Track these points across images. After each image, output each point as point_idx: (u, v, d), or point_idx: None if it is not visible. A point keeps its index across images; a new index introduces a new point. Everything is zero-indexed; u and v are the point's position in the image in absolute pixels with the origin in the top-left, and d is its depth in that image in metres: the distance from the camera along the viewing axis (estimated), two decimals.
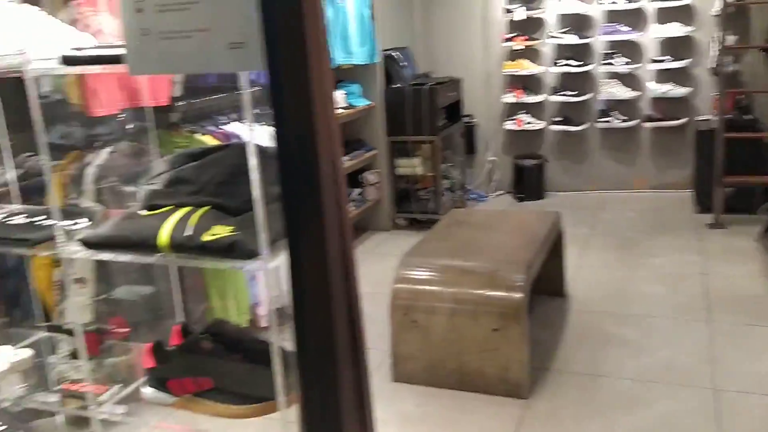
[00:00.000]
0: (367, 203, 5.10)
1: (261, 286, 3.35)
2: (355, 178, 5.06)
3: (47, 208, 1.73)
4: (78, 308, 2.47)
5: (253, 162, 1.26)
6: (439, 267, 3.13)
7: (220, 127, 3.43)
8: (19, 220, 1.64)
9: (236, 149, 1.46)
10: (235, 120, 3.54)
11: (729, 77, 5.05)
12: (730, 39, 4.99)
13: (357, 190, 5.04)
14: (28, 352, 1.77)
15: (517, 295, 2.84)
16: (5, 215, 1.70)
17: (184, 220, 1.35)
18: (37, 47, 1.42)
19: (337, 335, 1.17)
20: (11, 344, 1.82)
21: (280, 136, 1.13)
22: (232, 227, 1.31)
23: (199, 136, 3.23)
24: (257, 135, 2.69)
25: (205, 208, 1.38)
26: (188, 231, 1.31)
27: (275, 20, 1.09)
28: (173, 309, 1.87)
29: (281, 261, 1.26)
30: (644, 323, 3.46)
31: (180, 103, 3.28)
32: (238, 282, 3.22)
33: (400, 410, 2.85)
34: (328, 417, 1.20)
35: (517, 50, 5.77)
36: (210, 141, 3.21)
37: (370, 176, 5.14)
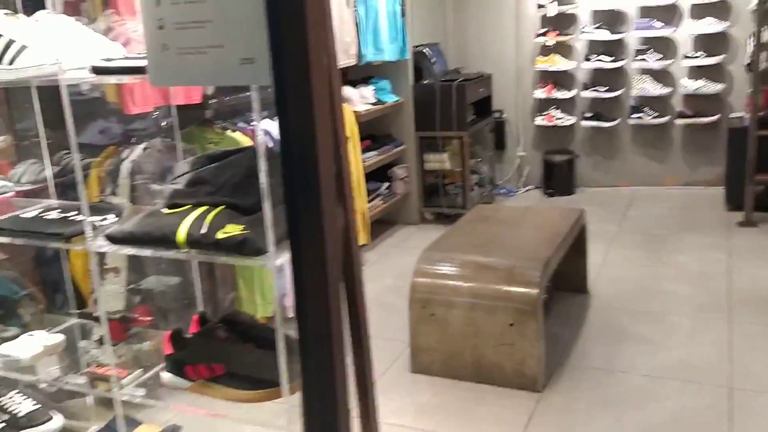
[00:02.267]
0: (396, 197, 5.19)
1: (288, 277, 3.47)
2: (384, 173, 5.15)
3: (80, 204, 1.87)
4: (111, 296, 2.62)
5: (262, 164, 1.36)
6: (458, 262, 3.20)
7: (251, 123, 3.55)
8: (54, 215, 1.78)
9: (252, 152, 1.56)
10: (265, 117, 3.66)
11: (764, 74, 4.97)
12: (767, 35, 4.92)
13: (385, 184, 5.13)
14: (60, 337, 1.91)
15: (534, 291, 2.91)
16: (42, 210, 1.85)
17: (200, 219, 1.46)
18: (71, 57, 1.55)
19: (334, 327, 1.27)
20: (46, 329, 1.97)
21: (284, 143, 1.23)
22: (243, 226, 1.42)
23: (230, 133, 3.35)
24: (271, 135, 2.78)
25: (221, 207, 1.49)
26: (204, 229, 1.42)
27: (281, 38, 1.19)
28: (199, 298, 2.00)
29: (287, 258, 1.36)
30: (664, 321, 3.48)
31: (213, 101, 3.41)
32: (264, 274, 3.34)
33: (417, 400, 2.95)
34: (326, 403, 1.30)
35: (549, 46, 5.77)
36: (240, 137, 3.34)
37: (398, 171, 5.23)
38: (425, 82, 5.24)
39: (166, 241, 1.45)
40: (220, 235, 1.40)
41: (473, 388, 3.00)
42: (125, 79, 1.52)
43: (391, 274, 4.26)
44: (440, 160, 5.31)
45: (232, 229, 1.41)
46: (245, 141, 3.33)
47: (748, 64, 5.13)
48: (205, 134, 3.37)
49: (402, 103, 5.18)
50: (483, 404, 2.88)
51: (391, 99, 5.07)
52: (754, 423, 2.59)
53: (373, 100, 4.85)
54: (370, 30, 4.66)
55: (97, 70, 1.50)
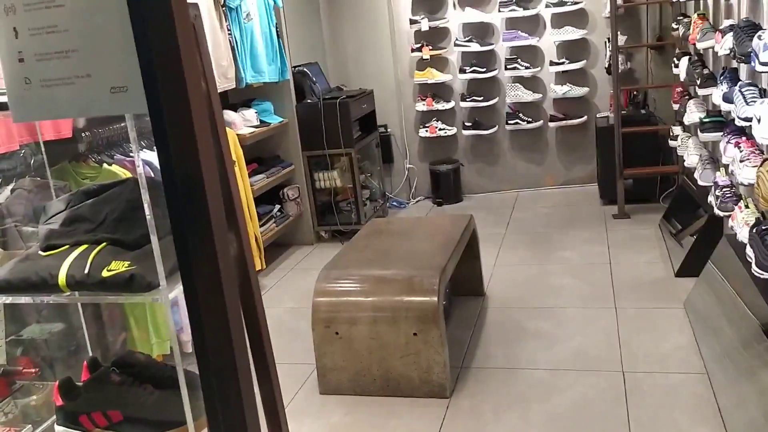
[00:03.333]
0: (289, 219, 5.14)
1: (182, 311, 3.35)
2: (275, 195, 5.09)
3: None
4: None
5: (145, 197, 1.31)
6: (357, 277, 3.21)
7: (129, 155, 3.40)
8: None
9: (132, 184, 1.49)
10: (144, 147, 3.52)
11: (622, 75, 5.36)
12: (621, 39, 5.31)
13: (277, 207, 5.07)
14: None
15: (433, 299, 2.96)
16: None
17: (82, 258, 1.38)
18: None
19: (237, 359, 1.23)
20: None
21: (165, 173, 1.18)
22: (129, 261, 1.35)
23: (107, 166, 3.20)
24: (151, 166, 2.68)
25: (103, 244, 1.41)
26: (86, 268, 1.34)
27: (153, 64, 1.14)
28: (84, 344, 1.88)
29: (180, 291, 1.30)
30: (556, 315, 3.65)
31: (85, 134, 3.24)
32: (156, 310, 3.20)
33: (328, 422, 2.91)
34: None
35: (425, 59, 5.94)
36: (119, 170, 3.19)
37: (289, 192, 5.19)
38: (308, 101, 5.24)
39: (46, 285, 1.36)
40: (105, 273, 1.33)
41: (384, 402, 3.00)
42: None
43: (291, 297, 4.20)
44: (330, 178, 5.33)
45: (118, 266, 1.34)
46: (124, 174, 3.18)
47: (607, 67, 5.52)
48: (79, 170, 3.19)
49: (286, 124, 5.15)
50: (394, 417, 2.88)
51: (275, 120, 5.03)
52: (646, 402, 2.75)
53: (257, 123, 4.80)
54: (247, 52, 4.61)
55: None
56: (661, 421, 2.62)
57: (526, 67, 5.77)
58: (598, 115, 5.72)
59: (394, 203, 6.20)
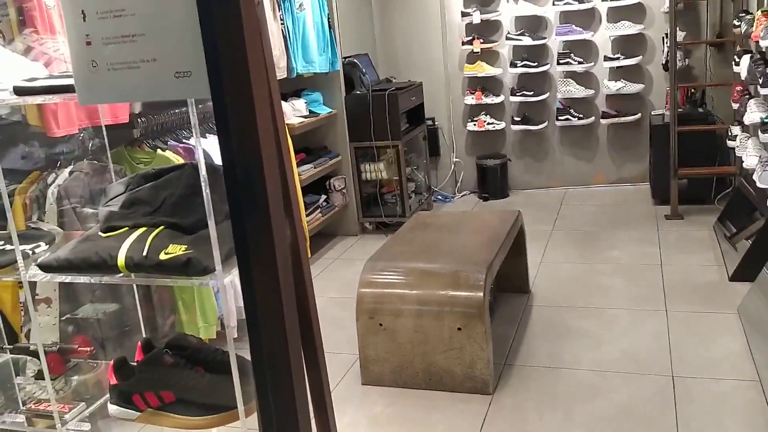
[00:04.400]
0: (334, 209, 5.16)
1: (229, 298, 3.39)
2: (321, 185, 5.12)
3: (8, 233, 1.76)
4: (45, 328, 2.49)
5: (204, 181, 1.32)
6: (403, 270, 3.20)
7: (183, 141, 3.46)
8: None
9: (190, 169, 1.51)
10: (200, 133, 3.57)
11: (680, 72, 5.21)
12: (680, 35, 5.16)
13: (323, 197, 5.10)
14: None
15: (479, 294, 2.93)
16: None
17: (140, 240, 1.40)
18: None
19: (290, 344, 1.23)
20: None
21: (226, 158, 1.19)
22: (186, 245, 1.36)
23: (161, 152, 3.25)
24: (211, 151, 2.71)
25: (160, 227, 1.43)
26: (145, 251, 1.36)
27: (217, 49, 1.15)
28: (138, 324, 1.92)
29: (235, 276, 1.31)
30: (603, 315, 3.58)
31: (141, 119, 3.30)
32: (203, 295, 3.25)
33: (370, 412, 2.92)
34: (285, 424, 1.26)
35: (475, 53, 5.87)
36: (172, 156, 3.25)
37: (335, 182, 5.21)
38: (357, 92, 5.24)
39: (105, 266, 1.38)
40: (162, 256, 1.35)
41: (425, 395, 2.99)
42: (53, 99, 1.44)
43: (335, 286, 4.22)
44: (376, 170, 5.32)
45: (175, 250, 1.35)
46: (177, 160, 3.24)
47: (664, 64, 5.37)
48: (134, 154, 3.26)
49: (335, 115, 5.16)
50: (436, 411, 2.87)
51: (324, 111, 5.05)
52: (696, 408, 2.68)
53: (306, 113, 4.82)
54: (299, 42, 4.63)
55: (20, 91, 1.42)
56: (711, 427, 2.55)
57: (579, 62, 5.66)
58: (652, 113, 5.58)
59: (439, 197, 6.16)
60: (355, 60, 5.28)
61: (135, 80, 1.22)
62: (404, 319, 3.04)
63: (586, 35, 5.64)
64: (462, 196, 6.22)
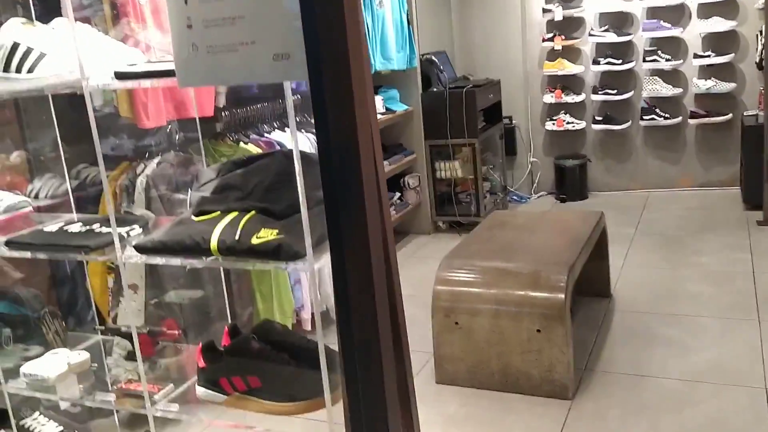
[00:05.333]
0: (408, 207, 5.13)
1: (305, 289, 3.42)
2: (395, 182, 5.10)
3: (102, 217, 1.82)
4: (131, 313, 2.56)
5: (297, 167, 1.31)
6: (480, 268, 3.14)
7: (264, 135, 3.51)
8: (77, 228, 1.72)
9: (280, 156, 1.51)
10: (277, 128, 3.62)
11: None
12: None
13: (397, 194, 5.08)
14: (85, 355, 1.85)
15: (560, 296, 2.84)
16: (63, 224, 1.79)
17: (233, 225, 1.41)
18: (91, 64, 1.50)
19: (381, 334, 1.21)
20: (69, 348, 1.91)
21: (322, 143, 1.17)
22: (277, 230, 1.36)
23: (243, 145, 3.31)
24: (300, 141, 2.74)
25: (252, 212, 1.44)
26: (237, 235, 1.37)
27: (317, 32, 1.13)
28: (221, 311, 1.94)
29: (325, 262, 1.30)
30: (691, 323, 3.41)
31: (224, 113, 3.37)
32: (281, 286, 3.29)
33: (444, 411, 2.87)
34: (374, 415, 1.24)
35: (556, 50, 5.73)
36: (254, 149, 3.30)
37: (410, 180, 5.18)
38: (434, 90, 5.20)
39: (198, 248, 1.40)
40: (254, 240, 1.35)
41: (501, 397, 2.93)
42: (150, 84, 1.46)
43: (408, 284, 4.16)
44: (451, 168, 5.26)
45: (267, 234, 1.35)
46: (258, 152, 3.28)
47: (759, 62, 5.09)
48: (217, 147, 3.32)
49: (411, 112, 5.14)
50: (512, 413, 2.80)
51: (400, 108, 5.03)
52: None
53: (383, 110, 4.81)
54: (377, 39, 4.63)
55: (121, 76, 1.45)
56: None
57: (667, 60, 5.44)
58: (745, 113, 5.29)
59: (515, 197, 6.05)
60: (432, 57, 5.24)
61: (233, 63, 1.22)
62: (481, 319, 2.98)
63: (675, 31, 5.41)
64: (538, 196, 6.08)
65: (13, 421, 1.99)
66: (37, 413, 2.16)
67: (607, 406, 2.78)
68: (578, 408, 2.78)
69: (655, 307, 3.63)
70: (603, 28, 5.61)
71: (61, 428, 2.17)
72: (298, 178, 1.29)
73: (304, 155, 1.35)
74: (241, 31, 1.20)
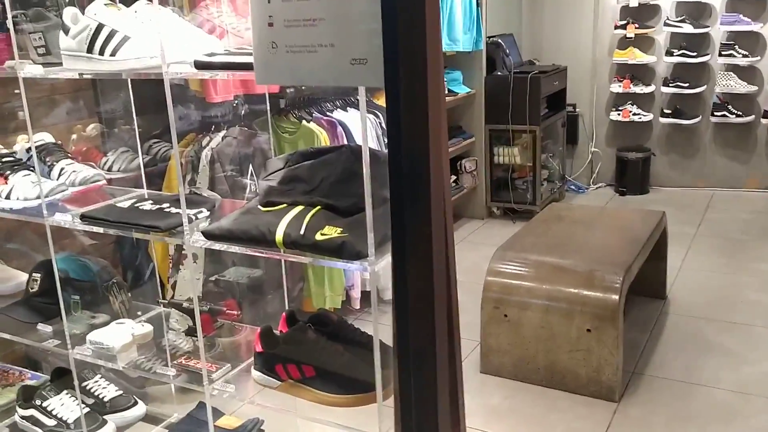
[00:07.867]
0: (463, 191, 5.11)
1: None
2: (452, 166, 5.07)
3: (172, 196, 1.88)
4: (188, 282, 2.64)
5: (365, 166, 1.32)
6: (533, 262, 3.12)
7: (327, 114, 3.53)
8: (148, 206, 1.78)
9: (348, 152, 1.53)
10: (339, 108, 3.64)
11: None
12: None
13: (453, 177, 5.05)
14: (149, 327, 1.93)
15: (614, 297, 2.80)
16: (135, 200, 1.86)
17: (298, 219, 1.43)
18: (172, 50, 1.53)
19: (437, 335, 1.23)
20: (132, 318, 2.00)
21: (393, 149, 1.18)
22: (341, 228, 1.38)
23: (305, 123, 3.34)
24: (351, 125, 2.74)
25: (317, 207, 1.46)
26: (302, 230, 1.40)
27: (396, 39, 1.14)
28: (278, 294, 1.99)
29: (385, 264, 1.32)
30: (748, 333, 3.32)
31: (289, 90, 3.40)
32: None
33: (488, 403, 2.89)
34: (425, 412, 1.26)
35: (628, 38, 5.56)
36: (315, 127, 3.32)
37: (467, 163, 5.15)
38: (498, 73, 5.13)
39: (264, 240, 1.43)
40: (318, 236, 1.38)
41: (545, 393, 2.92)
42: (228, 76, 1.49)
43: (459, 269, 4.16)
44: (510, 154, 5.20)
45: (331, 231, 1.38)
46: (320, 132, 3.31)
47: None
48: (280, 123, 3.37)
49: (473, 95, 5.08)
50: (556, 411, 2.80)
51: (462, 90, 4.99)
52: None
53: (445, 91, 4.77)
54: (444, 20, 4.57)
55: (200, 65, 1.48)
56: None
57: (744, 55, 5.21)
58: None
59: (573, 187, 5.94)
60: (499, 40, 5.16)
61: (311, 64, 1.23)
62: (530, 313, 2.97)
63: (755, 27, 5.17)
64: (597, 188, 5.96)
65: (76, 383, 2.09)
66: (98, 376, 2.27)
67: (653, 412, 2.74)
68: (623, 412, 2.76)
69: (711, 313, 3.54)
70: (679, 18, 5.41)
71: (120, 392, 2.28)
72: (365, 177, 1.30)
73: (372, 153, 1.36)
74: (321, 33, 1.21)
